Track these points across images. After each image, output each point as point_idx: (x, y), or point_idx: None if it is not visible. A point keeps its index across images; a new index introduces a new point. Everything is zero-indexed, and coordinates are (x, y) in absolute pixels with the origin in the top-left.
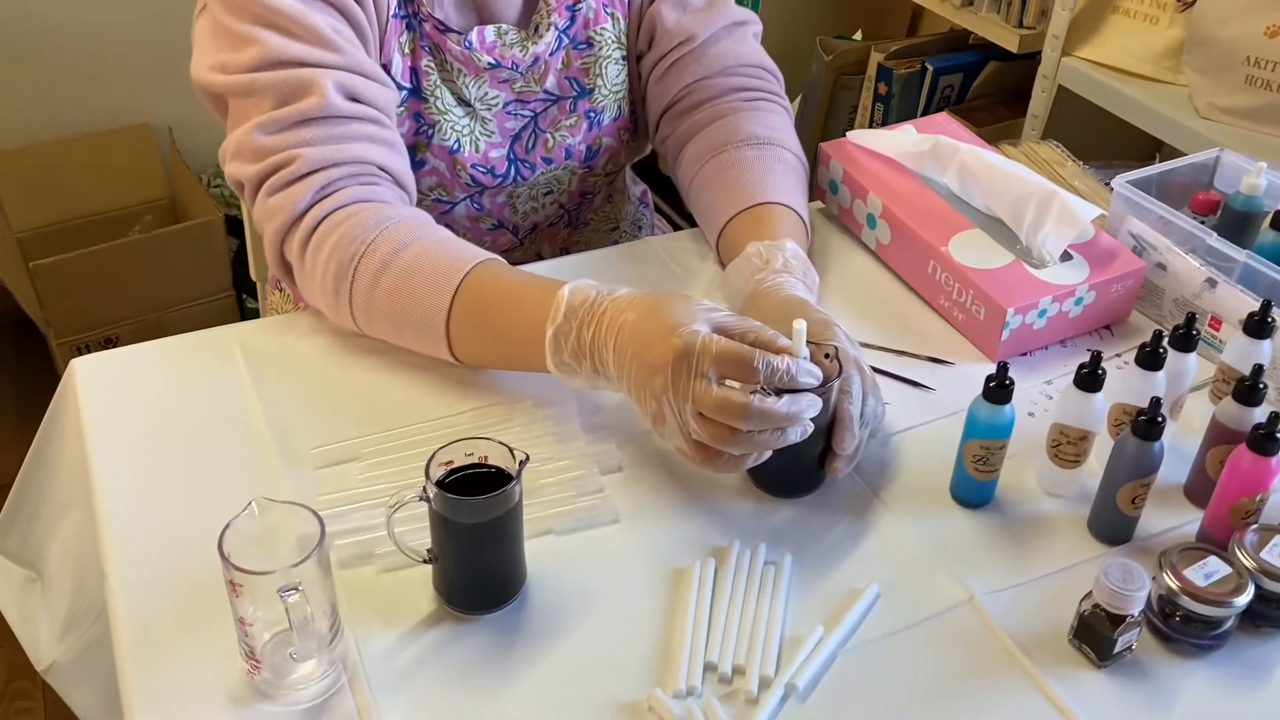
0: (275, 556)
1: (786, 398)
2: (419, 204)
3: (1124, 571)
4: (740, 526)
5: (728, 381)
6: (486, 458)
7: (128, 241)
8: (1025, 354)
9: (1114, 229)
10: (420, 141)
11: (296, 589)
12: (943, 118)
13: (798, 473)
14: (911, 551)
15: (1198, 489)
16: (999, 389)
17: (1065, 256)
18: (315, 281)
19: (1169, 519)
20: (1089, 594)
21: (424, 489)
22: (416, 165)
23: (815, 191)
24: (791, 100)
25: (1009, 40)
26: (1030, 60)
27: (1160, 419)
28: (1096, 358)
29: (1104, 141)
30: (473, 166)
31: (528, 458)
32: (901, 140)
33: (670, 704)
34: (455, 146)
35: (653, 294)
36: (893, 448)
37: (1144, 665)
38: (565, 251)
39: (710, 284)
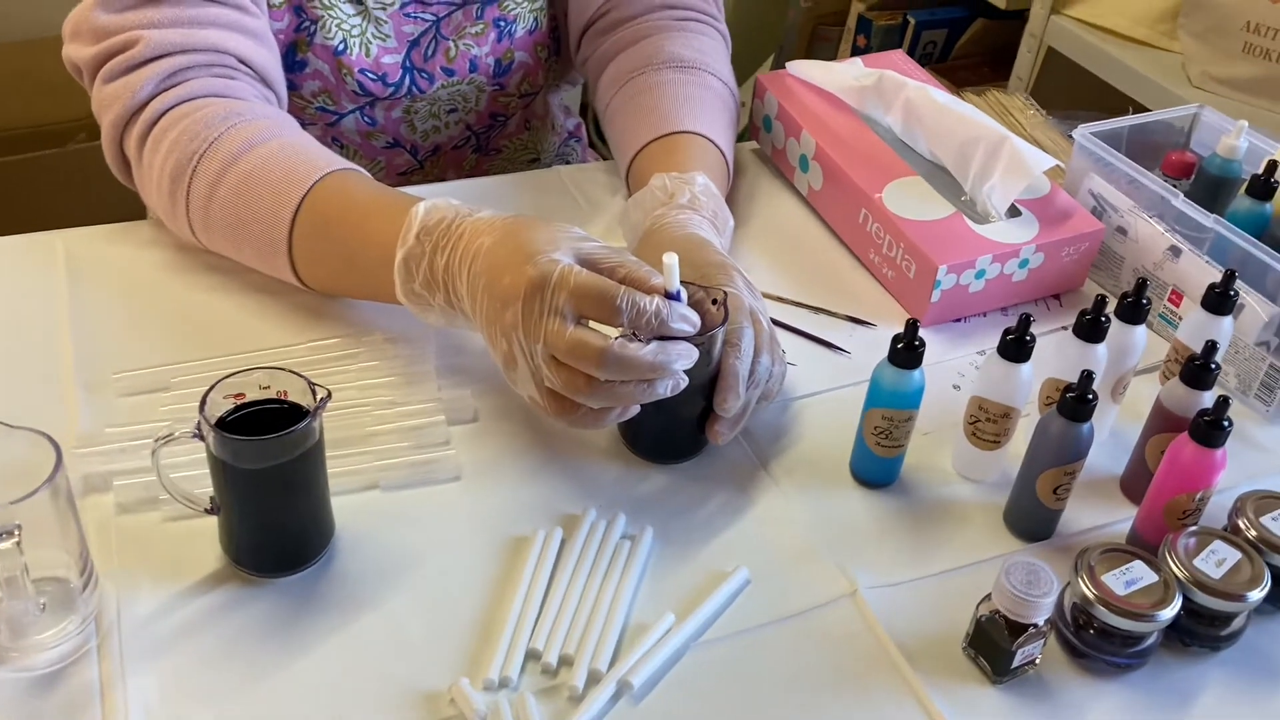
0: (12, 495)
1: (654, 344)
2: (301, 112)
3: (1029, 573)
4: (601, 493)
5: (592, 324)
6: (285, 393)
7: (36, 156)
8: (959, 320)
9: (1073, 187)
10: (301, 39)
11: (12, 534)
12: (898, 55)
13: (673, 435)
14: (794, 533)
15: (1135, 482)
16: (906, 351)
17: (1014, 212)
18: (152, 183)
19: (1099, 515)
20: (987, 597)
21: (198, 426)
22: (296, 66)
23: (750, 130)
24: (765, 54)
25: None
26: (1020, 20)
27: (1091, 396)
28: (1025, 322)
29: (1092, 112)
30: (361, 72)
31: (329, 394)
32: (845, 74)
33: (474, 697)
34: (341, 47)
35: (517, 217)
36: (791, 414)
37: (1047, 683)
38: None
39: (615, 220)
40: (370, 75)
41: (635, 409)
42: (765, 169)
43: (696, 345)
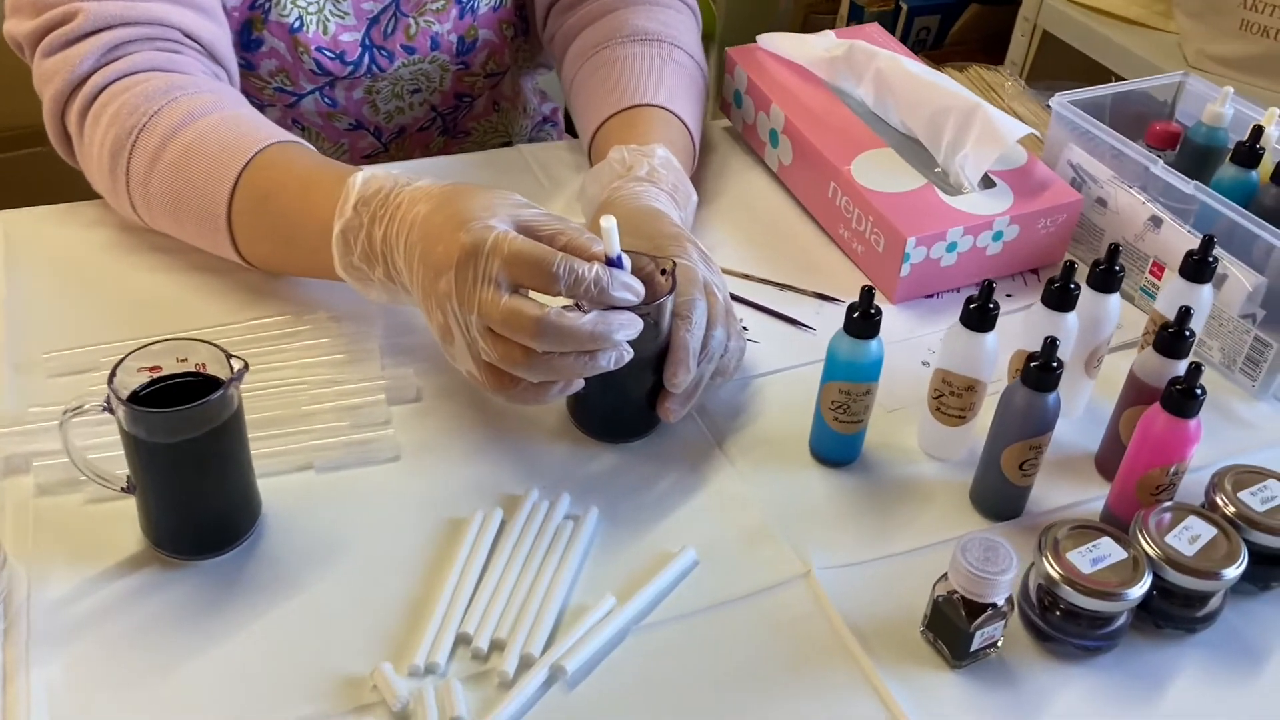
0: None
1: (594, 314)
2: (259, 93)
3: (986, 549)
4: (547, 473)
5: (533, 295)
6: (204, 365)
7: (31, 154)
8: (931, 296)
9: (1051, 158)
10: (256, 16)
11: None
12: (873, 28)
13: (622, 412)
14: (747, 513)
15: (1109, 459)
16: (862, 320)
17: (988, 183)
18: (93, 159)
19: (1073, 494)
20: (944, 576)
21: (108, 399)
22: (252, 44)
23: (721, 106)
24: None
25: None
26: (1014, 3)
27: (1056, 364)
28: (987, 289)
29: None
30: (318, 50)
31: (246, 365)
32: (815, 45)
33: (396, 683)
34: (297, 24)
35: (454, 185)
36: (751, 392)
37: (1010, 668)
38: None
39: (575, 198)
40: (328, 54)
41: (579, 384)
42: (736, 146)
43: (642, 315)
